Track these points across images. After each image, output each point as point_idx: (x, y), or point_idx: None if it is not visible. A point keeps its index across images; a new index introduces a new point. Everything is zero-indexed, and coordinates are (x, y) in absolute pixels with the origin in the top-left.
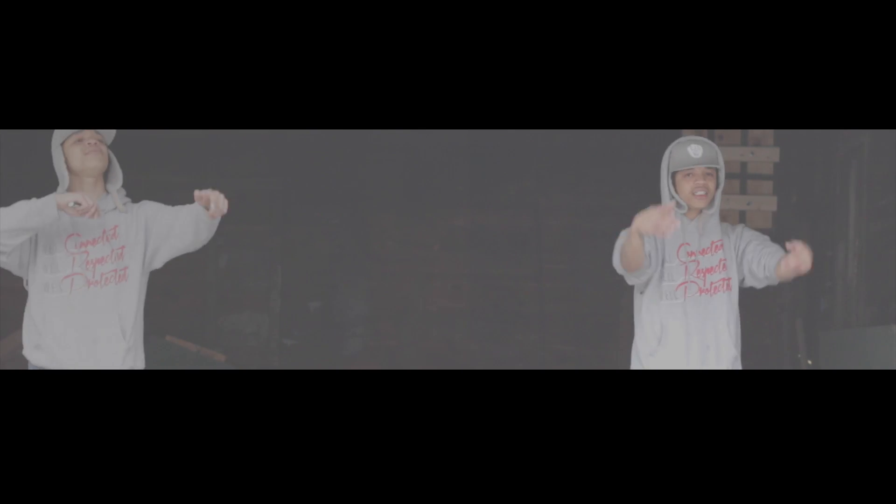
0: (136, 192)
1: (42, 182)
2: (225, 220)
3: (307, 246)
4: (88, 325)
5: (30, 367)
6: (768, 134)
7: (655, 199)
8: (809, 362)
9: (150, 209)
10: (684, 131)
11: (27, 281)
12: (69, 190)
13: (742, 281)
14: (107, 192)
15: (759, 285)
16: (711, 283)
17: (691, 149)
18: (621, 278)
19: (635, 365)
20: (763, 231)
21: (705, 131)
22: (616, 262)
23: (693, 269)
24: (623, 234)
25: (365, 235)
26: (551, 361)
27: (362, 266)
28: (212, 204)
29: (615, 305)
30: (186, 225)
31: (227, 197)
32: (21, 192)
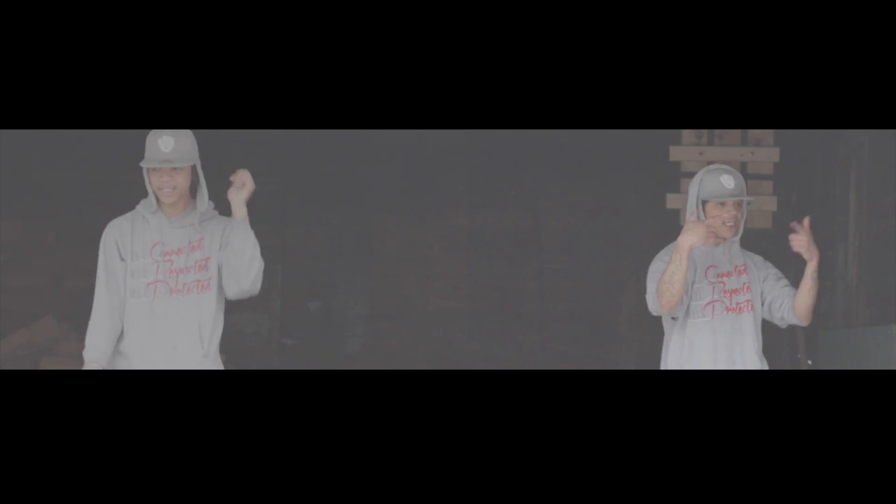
0: (137, 192)
1: (42, 182)
2: None
3: (307, 246)
4: (169, 332)
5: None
6: (768, 134)
7: (655, 200)
8: (809, 362)
9: (231, 226)
10: (684, 131)
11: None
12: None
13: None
14: (194, 206)
15: (771, 320)
16: (737, 303)
17: (724, 179)
18: (621, 278)
19: None
20: (763, 231)
21: (705, 131)
22: (656, 303)
23: (720, 290)
24: (654, 273)
25: (365, 235)
26: (551, 361)
27: (362, 266)
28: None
29: (615, 305)
30: (236, 242)
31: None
32: (21, 192)
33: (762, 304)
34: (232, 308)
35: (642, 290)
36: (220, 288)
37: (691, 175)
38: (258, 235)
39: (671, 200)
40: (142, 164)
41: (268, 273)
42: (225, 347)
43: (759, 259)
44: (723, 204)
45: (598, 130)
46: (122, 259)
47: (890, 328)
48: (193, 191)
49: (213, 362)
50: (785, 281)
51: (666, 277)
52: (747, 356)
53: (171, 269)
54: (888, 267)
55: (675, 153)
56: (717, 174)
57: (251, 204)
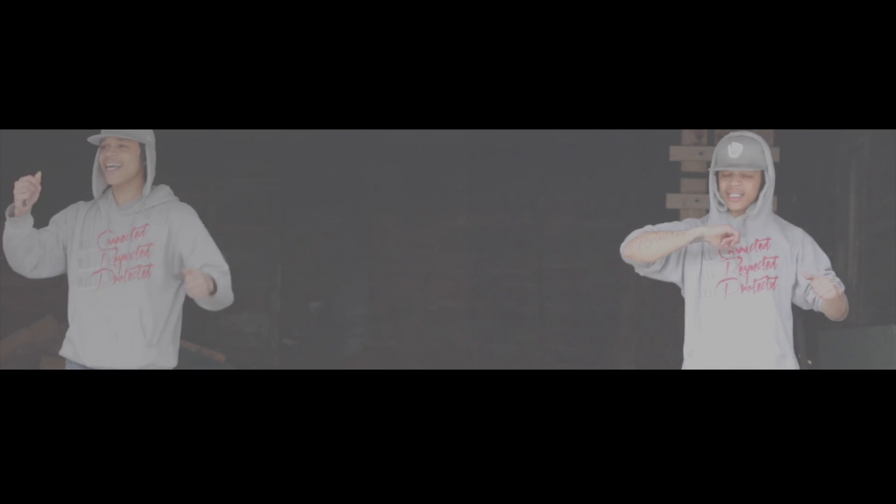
0: None
1: (42, 182)
2: (225, 220)
3: (307, 246)
4: (111, 319)
5: (66, 361)
6: (768, 134)
7: (655, 200)
8: (809, 362)
9: (178, 218)
10: (684, 131)
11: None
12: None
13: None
14: (143, 191)
15: (804, 307)
16: (755, 281)
17: (731, 148)
18: (621, 278)
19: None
20: None
21: (705, 131)
22: (625, 250)
23: (735, 266)
24: (650, 227)
25: (365, 235)
26: (551, 361)
27: (362, 266)
28: (189, 283)
29: (615, 305)
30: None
31: (227, 197)
32: None
33: (795, 285)
34: (232, 308)
35: (642, 290)
36: (169, 277)
37: (691, 175)
38: (258, 235)
39: (671, 200)
40: (90, 139)
41: (268, 273)
42: (225, 347)
43: (797, 234)
44: (728, 174)
45: (598, 130)
46: (59, 240)
47: (890, 328)
48: (145, 178)
49: (162, 354)
50: (824, 266)
51: (653, 237)
52: (765, 339)
53: (116, 257)
54: (888, 267)
55: (675, 153)
56: (727, 141)
57: (251, 203)
